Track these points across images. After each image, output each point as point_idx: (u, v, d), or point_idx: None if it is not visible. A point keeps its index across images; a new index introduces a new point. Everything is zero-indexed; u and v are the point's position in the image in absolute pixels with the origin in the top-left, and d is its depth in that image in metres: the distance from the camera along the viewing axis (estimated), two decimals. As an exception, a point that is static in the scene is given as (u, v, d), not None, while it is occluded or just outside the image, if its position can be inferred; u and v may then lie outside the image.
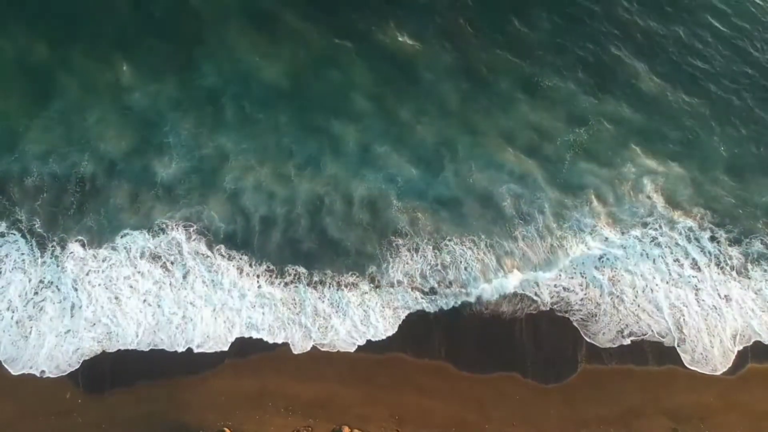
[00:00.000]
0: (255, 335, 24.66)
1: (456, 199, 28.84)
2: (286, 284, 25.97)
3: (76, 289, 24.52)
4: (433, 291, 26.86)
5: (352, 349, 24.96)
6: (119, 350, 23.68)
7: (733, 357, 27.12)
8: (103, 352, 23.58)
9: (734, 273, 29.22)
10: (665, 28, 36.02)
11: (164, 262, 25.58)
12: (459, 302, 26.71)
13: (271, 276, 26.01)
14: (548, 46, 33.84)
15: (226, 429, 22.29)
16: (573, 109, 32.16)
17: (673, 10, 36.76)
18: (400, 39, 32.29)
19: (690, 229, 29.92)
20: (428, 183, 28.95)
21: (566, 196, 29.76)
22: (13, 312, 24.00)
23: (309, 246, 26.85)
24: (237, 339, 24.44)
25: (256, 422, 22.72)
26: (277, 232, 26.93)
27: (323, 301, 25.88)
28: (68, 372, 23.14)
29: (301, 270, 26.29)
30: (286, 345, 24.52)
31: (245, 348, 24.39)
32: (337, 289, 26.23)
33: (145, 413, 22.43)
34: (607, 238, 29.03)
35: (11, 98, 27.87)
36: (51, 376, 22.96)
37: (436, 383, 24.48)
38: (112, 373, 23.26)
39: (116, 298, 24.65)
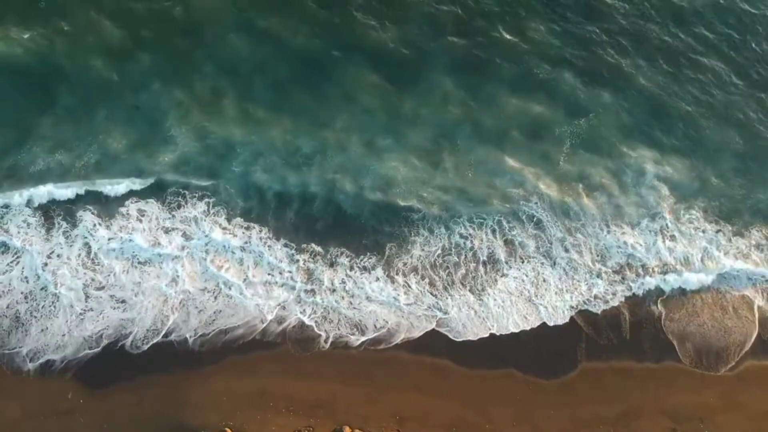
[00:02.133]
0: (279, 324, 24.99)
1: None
2: (306, 261, 26.23)
3: (88, 264, 24.61)
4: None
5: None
6: (121, 349, 23.63)
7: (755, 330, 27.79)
8: (105, 351, 23.55)
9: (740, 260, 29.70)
10: (670, 24, 35.88)
11: (183, 234, 25.76)
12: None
13: (290, 250, 26.26)
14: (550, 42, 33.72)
15: (227, 429, 22.36)
16: (574, 101, 32.07)
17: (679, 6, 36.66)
18: (399, 38, 32.05)
19: (695, 220, 30.13)
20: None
21: (569, 189, 29.96)
22: (26, 285, 23.94)
23: (325, 225, 27.22)
24: (239, 338, 24.52)
25: (258, 422, 22.78)
26: (291, 212, 27.21)
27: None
28: (88, 354, 23.25)
29: (318, 249, 26.52)
30: (286, 344, 24.53)
31: (246, 347, 24.34)
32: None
33: (147, 413, 22.44)
34: (623, 232, 29.31)
35: (18, 96, 27.53)
36: (63, 363, 23.02)
37: (437, 382, 24.54)
38: (113, 372, 23.19)
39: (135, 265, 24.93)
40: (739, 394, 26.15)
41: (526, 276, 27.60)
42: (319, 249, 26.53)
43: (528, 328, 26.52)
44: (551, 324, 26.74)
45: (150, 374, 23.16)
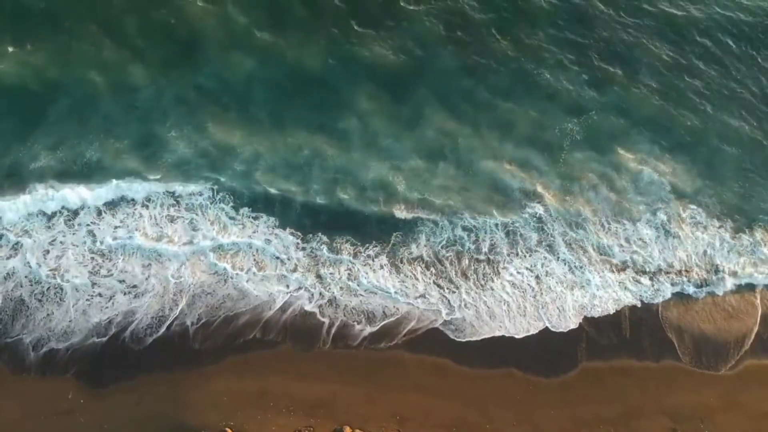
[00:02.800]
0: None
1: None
2: (313, 250, 26.51)
3: (94, 250, 24.79)
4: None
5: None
6: (121, 349, 23.60)
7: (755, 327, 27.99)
8: (105, 350, 23.49)
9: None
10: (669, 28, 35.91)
11: (190, 222, 26.04)
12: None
13: (296, 239, 26.59)
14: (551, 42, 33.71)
15: (227, 429, 22.34)
16: (573, 102, 32.05)
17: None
18: (400, 39, 31.99)
19: (697, 215, 30.19)
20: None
21: (569, 187, 30.03)
22: (29, 270, 24.04)
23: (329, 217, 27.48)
24: (242, 330, 24.59)
25: (258, 422, 22.75)
26: (296, 206, 27.39)
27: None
28: (95, 343, 23.39)
29: (324, 238, 26.78)
30: (287, 344, 24.50)
31: (246, 346, 24.30)
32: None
33: (147, 413, 22.42)
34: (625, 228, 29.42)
35: (19, 95, 27.29)
36: (68, 352, 23.08)
37: (437, 382, 24.54)
38: (114, 372, 23.15)
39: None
40: (739, 394, 26.19)
41: (531, 272, 27.68)
42: (325, 238, 26.67)
43: (535, 332, 26.57)
44: (558, 331, 26.76)
45: (150, 374, 23.13)
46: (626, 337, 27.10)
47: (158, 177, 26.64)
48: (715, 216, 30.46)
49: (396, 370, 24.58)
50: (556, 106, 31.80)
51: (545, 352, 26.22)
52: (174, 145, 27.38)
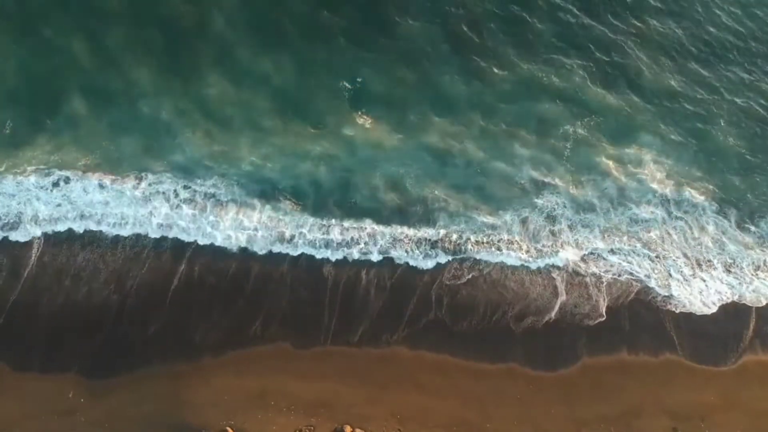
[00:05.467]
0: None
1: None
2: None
3: None
4: None
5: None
6: (122, 348, 23.48)
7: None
8: (106, 350, 23.43)
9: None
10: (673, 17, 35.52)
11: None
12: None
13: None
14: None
15: (228, 428, 22.38)
16: (578, 99, 31.94)
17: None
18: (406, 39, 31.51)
19: (698, 202, 30.49)
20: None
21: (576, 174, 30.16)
22: None
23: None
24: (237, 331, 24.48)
25: (258, 421, 22.75)
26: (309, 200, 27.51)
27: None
28: None
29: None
30: (287, 343, 24.44)
31: (246, 342, 24.22)
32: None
33: (148, 412, 22.37)
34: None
35: (23, 101, 26.74)
36: None
37: (437, 381, 24.54)
38: (114, 371, 23.07)
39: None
40: (739, 392, 26.30)
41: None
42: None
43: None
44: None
45: (151, 373, 23.05)
46: (626, 332, 27.14)
47: (163, 177, 26.69)
48: (721, 209, 30.76)
49: (396, 368, 24.54)
50: (562, 103, 31.68)
51: (545, 348, 26.24)
52: (180, 149, 27.23)
